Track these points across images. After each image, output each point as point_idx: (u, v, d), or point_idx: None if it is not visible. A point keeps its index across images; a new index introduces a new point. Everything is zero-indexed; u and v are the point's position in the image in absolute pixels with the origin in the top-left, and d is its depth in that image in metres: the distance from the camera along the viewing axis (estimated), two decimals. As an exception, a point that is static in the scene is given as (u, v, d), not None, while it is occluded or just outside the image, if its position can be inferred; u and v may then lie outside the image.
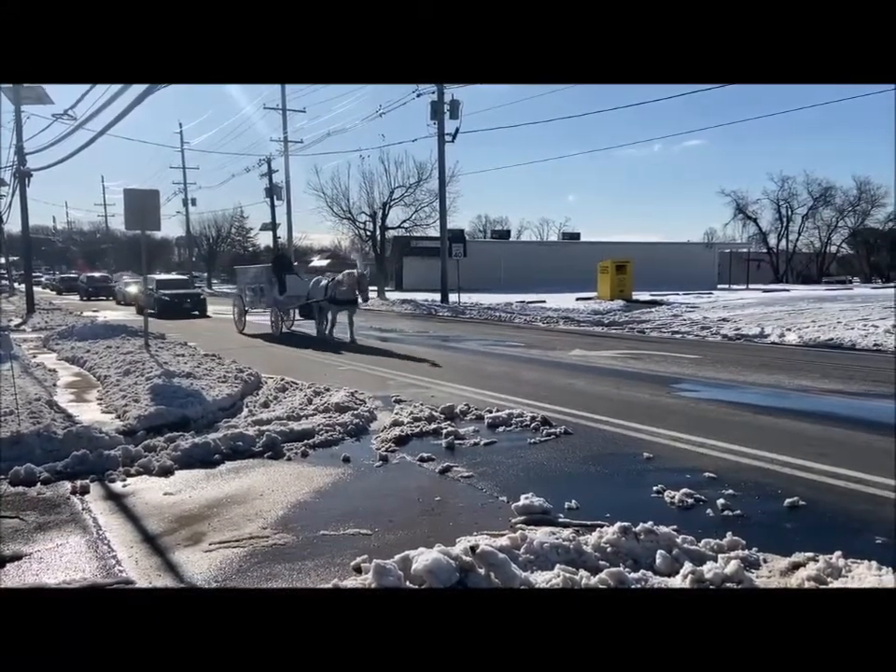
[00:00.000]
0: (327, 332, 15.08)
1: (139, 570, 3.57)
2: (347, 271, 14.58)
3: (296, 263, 19.75)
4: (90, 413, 7.37)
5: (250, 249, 67.63)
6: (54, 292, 52.39)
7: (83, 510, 4.52)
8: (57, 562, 3.68)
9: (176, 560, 3.70)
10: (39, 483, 4.97)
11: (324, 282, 15.05)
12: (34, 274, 33.32)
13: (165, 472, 5.29)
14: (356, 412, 6.93)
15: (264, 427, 6.23)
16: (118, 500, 4.72)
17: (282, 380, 8.77)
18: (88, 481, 5.00)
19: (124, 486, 5.00)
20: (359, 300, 14.51)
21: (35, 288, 28.90)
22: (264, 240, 60.22)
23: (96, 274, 46.79)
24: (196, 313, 24.92)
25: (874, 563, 3.17)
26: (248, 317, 18.35)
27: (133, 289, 31.85)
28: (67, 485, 4.95)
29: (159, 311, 23.61)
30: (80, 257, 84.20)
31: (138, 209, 11.35)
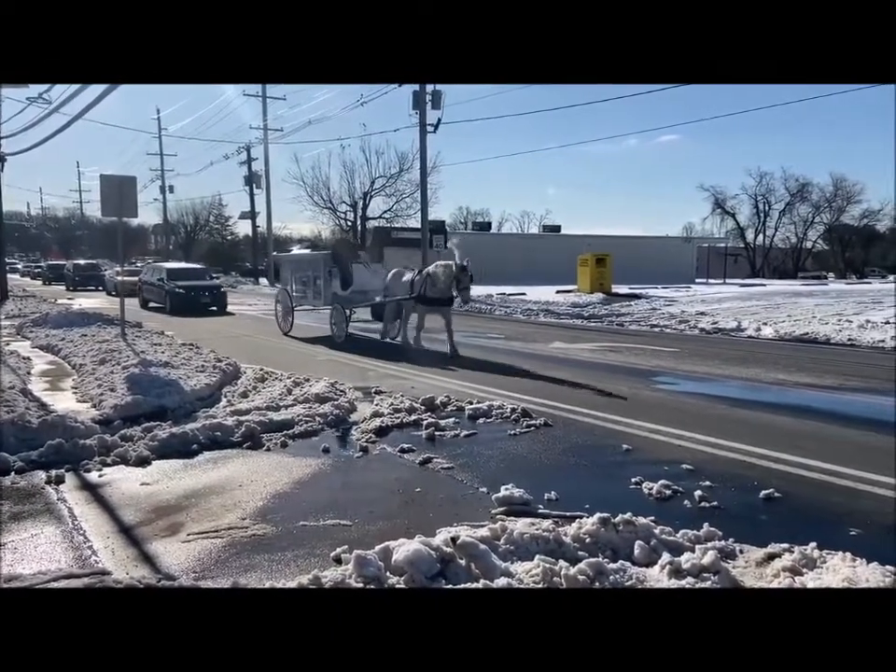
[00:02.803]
0: (412, 340, 11.79)
1: (115, 561, 3.53)
2: (443, 262, 11.40)
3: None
4: (65, 401, 7.27)
5: (229, 238, 67.06)
6: (39, 281, 46.66)
7: (58, 499, 4.46)
8: (31, 552, 3.63)
9: (154, 551, 3.67)
10: (13, 473, 4.89)
11: (408, 275, 12.00)
12: (9, 261, 32.21)
13: (142, 462, 5.23)
14: (336, 402, 6.90)
15: (243, 418, 6.18)
16: (93, 490, 4.66)
17: (261, 370, 8.70)
18: (63, 470, 4.93)
19: (100, 476, 4.94)
20: (456, 300, 11.24)
21: (12, 276, 27.85)
22: (243, 228, 59.68)
23: (81, 262, 41.45)
24: (214, 308, 21.00)
25: (847, 554, 3.22)
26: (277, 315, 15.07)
27: (126, 279, 29.66)
28: (42, 475, 4.88)
29: (171, 306, 20.40)
30: (55, 243, 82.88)
31: (115, 196, 11.19)
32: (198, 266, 27.24)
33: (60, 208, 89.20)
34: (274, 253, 20.63)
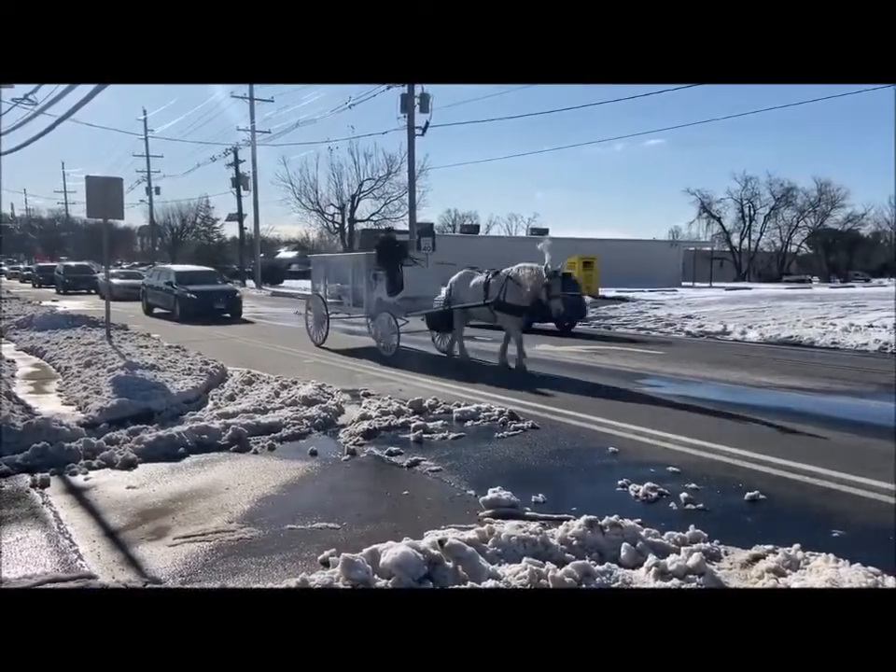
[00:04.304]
0: (499, 354, 10.22)
1: (101, 565, 3.51)
2: (528, 264, 9.75)
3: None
4: (50, 404, 7.21)
5: (216, 240, 66.75)
6: (29, 284, 44.39)
7: (43, 503, 4.43)
8: (17, 556, 3.60)
9: (140, 555, 3.65)
10: (-3, 477, 4.86)
11: (479, 278, 10.41)
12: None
13: (128, 466, 5.20)
14: (323, 405, 6.89)
15: (230, 421, 6.16)
16: (79, 494, 4.63)
17: (248, 372, 8.67)
18: (48, 474, 4.89)
19: (86, 480, 4.91)
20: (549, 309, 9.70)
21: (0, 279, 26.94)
22: (230, 230, 59.50)
23: (72, 264, 38.88)
24: (228, 315, 19.29)
25: (831, 556, 3.25)
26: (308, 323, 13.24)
27: (120, 282, 27.15)
28: (27, 478, 4.84)
29: (181, 313, 18.65)
30: (39, 245, 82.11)
31: (100, 197, 11.12)
32: (209, 269, 25.28)
33: (44, 209, 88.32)
34: (311, 255, 18.65)
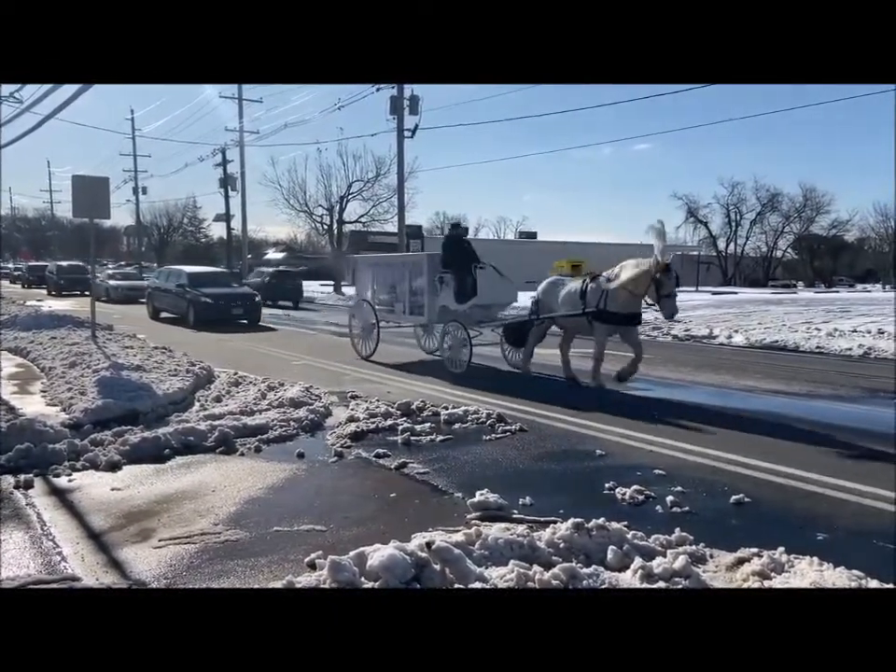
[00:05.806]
0: (592, 373, 8.72)
1: (85, 567, 3.48)
2: (632, 262, 8.33)
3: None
4: (34, 405, 7.14)
5: (203, 240, 66.49)
6: (19, 285, 43.44)
7: (27, 505, 4.39)
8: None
9: (124, 557, 3.62)
10: (-20, 478, 4.81)
11: (572, 284, 9.05)
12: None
13: (113, 467, 5.16)
14: (311, 407, 6.88)
15: (216, 422, 6.13)
16: (63, 496, 4.59)
17: (235, 374, 8.64)
18: (31, 475, 4.85)
19: (70, 481, 4.87)
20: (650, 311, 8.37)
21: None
22: (218, 231, 59.30)
23: (64, 263, 36.98)
24: (246, 321, 17.98)
25: (815, 559, 3.28)
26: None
27: (118, 283, 26.74)
28: (10, 480, 4.80)
29: (195, 318, 17.37)
30: (25, 244, 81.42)
31: (87, 196, 11.04)
32: (223, 270, 23.74)
33: (30, 209, 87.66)
34: (355, 256, 16.54)
